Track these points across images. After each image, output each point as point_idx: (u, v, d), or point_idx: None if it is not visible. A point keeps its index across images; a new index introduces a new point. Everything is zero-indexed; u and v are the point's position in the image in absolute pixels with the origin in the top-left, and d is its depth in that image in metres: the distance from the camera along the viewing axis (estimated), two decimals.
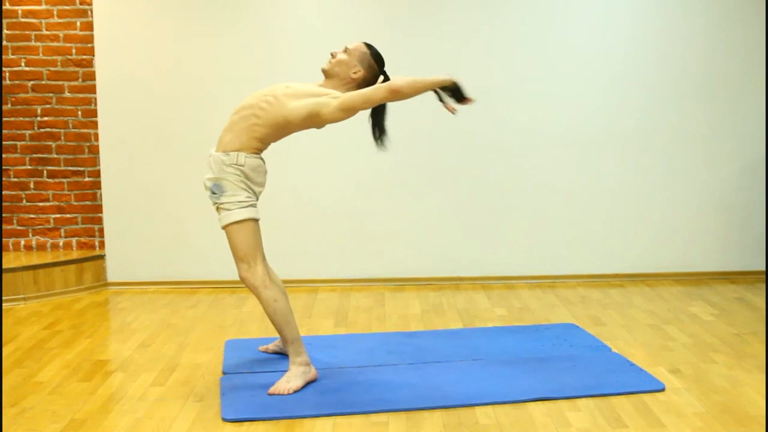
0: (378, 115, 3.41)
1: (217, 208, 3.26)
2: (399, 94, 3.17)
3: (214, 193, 3.24)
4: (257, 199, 3.29)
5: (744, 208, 5.28)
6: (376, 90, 3.17)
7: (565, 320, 4.35)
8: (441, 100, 3.38)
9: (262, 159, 3.30)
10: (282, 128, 3.28)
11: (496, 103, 5.15)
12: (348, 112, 3.22)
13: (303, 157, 5.13)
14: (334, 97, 3.22)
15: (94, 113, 5.16)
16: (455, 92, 3.30)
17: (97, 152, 5.19)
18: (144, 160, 5.16)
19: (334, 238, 5.19)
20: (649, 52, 5.14)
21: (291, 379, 3.26)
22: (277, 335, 3.83)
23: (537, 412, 3.02)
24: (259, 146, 3.28)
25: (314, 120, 3.26)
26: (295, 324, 3.31)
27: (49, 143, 5.19)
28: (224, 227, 3.24)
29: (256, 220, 3.25)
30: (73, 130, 5.18)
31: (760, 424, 2.89)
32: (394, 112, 5.19)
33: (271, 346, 3.76)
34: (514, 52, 5.12)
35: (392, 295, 4.99)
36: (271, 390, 3.22)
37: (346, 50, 3.43)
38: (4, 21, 5.07)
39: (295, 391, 3.23)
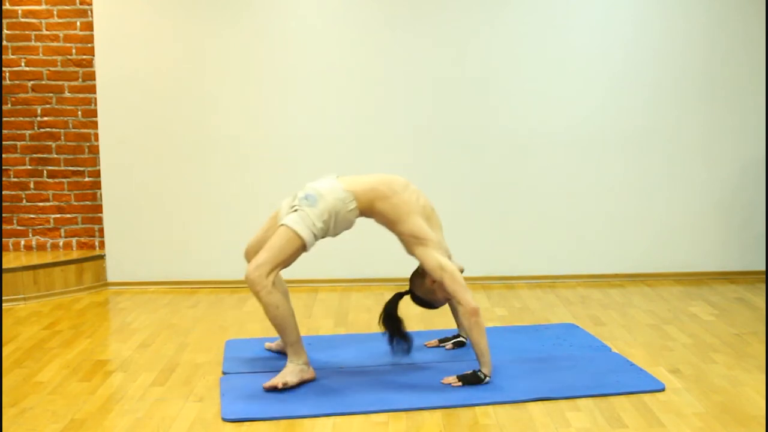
0: (396, 323, 3.47)
1: (295, 209, 3.31)
2: (470, 316, 3.27)
3: (306, 199, 3.30)
4: (320, 238, 3.35)
5: (744, 208, 5.28)
6: (463, 294, 3.29)
7: (565, 320, 4.35)
8: (457, 344, 3.78)
9: (355, 221, 3.42)
10: (391, 219, 3.39)
11: (497, 103, 5.15)
12: (434, 274, 3.32)
13: (303, 157, 5.13)
14: (441, 256, 3.33)
15: (94, 113, 5.16)
16: (472, 379, 3.30)
17: (97, 152, 5.19)
18: (144, 160, 5.16)
19: (334, 238, 5.18)
20: (649, 52, 5.14)
21: (286, 375, 3.27)
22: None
23: (537, 412, 3.02)
24: (365, 210, 3.39)
25: (411, 243, 3.36)
26: (295, 326, 3.31)
27: (49, 143, 5.19)
28: (283, 224, 3.28)
29: (305, 246, 3.30)
30: (73, 130, 5.19)
31: (760, 424, 2.89)
32: (393, 112, 5.22)
33: (274, 345, 3.77)
34: (514, 53, 5.12)
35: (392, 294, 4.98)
36: (266, 384, 3.24)
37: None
38: (4, 21, 5.07)
39: (289, 387, 3.23)
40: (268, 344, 3.81)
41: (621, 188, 5.23)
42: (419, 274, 3.48)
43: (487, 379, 3.28)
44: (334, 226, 3.35)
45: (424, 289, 3.46)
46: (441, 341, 3.84)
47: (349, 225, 3.42)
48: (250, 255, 3.56)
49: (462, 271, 3.48)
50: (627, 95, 5.16)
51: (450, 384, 3.28)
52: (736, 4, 5.11)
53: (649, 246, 5.28)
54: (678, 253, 5.29)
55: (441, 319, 4.40)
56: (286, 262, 3.31)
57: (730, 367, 3.50)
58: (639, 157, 5.21)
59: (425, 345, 3.84)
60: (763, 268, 5.28)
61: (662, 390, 3.22)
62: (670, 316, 4.40)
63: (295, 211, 3.32)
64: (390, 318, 3.44)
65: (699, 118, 5.20)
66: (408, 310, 4.59)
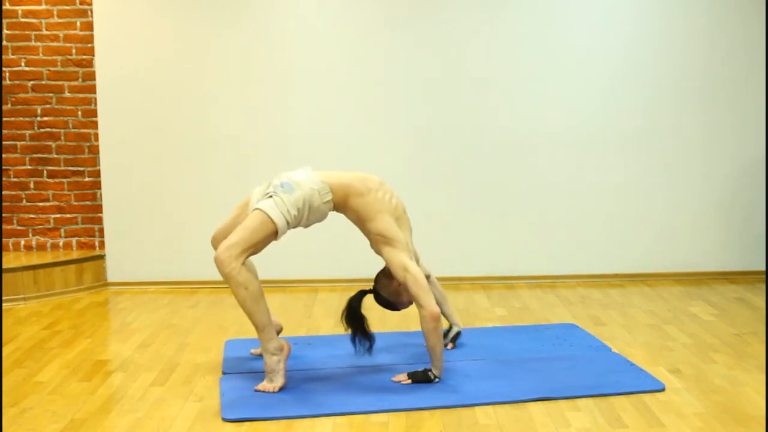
0: (359, 321, 3.45)
1: (270, 196, 3.30)
2: (430, 321, 3.23)
3: (282, 187, 3.29)
4: (293, 227, 3.33)
5: (744, 208, 5.28)
6: (426, 299, 3.25)
7: (565, 320, 4.35)
8: (455, 338, 3.78)
9: (328, 213, 3.41)
10: (362, 217, 3.39)
11: (497, 103, 5.15)
12: (398, 275, 3.31)
13: (303, 157, 5.13)
14: (407, 258, 3.33)
15: (94, 113, 5.16)
16: (422, 377, 3.32)
17: (97, 152, 5.19)
18: (144, 160, 5.16)
19: (334, 238, 5.18)
20: (649, 52, 5.14)
21: (273, 378, 3.26)
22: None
23: (537, 412, 3.02)
24: (338, 204, 3.39)
25: (378, 241, 3.37)
26: (265, 309, 3.25)
27: (49, 143, 5.19)
28: (257, 209, 3.26)
29: (276, 233, 3.27)
30: (73, 130, 5.19)
31: (760, 424, 2.89)
32: (393, 112, 5.21)
33: (261, 349, 3.74)
34: (514, 53, 5.12)
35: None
36: (258, 388, 3.25)
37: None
38: (4, 21, 5.07)
39: (281, 389, 3.23)
40: (253, 350, 3.79)
41: (621, 188, 5.23)
42: (386, 274, 3.48)
43: (437, 379, 3.31)
44: (307, 216, 3.33)
45: (390, 290, 3.47)
46: None
47: (322, 217, 3.40)
48: (217, 241, 3.56)
49: (428, 276, 3.51)
50: (627, 95, 5.16)
51: (400, 382, 3.31)
52: (736, 4, 5.10)
53: (649, 246, 5.28)
54: (678, 253, 5.29)
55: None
56: (257, 247, 3.26)
57: (730, 367, 3.50)
58: (639, 157, 5.21)
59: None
60: (763, 268, 5.28)
61: (662, 390, 3.22)
62: (670, 316, 4.40)
63: (270, 197, 3.29)
64: (353, 315, 3.42)
65: (699, 118, 5.20)
66: (407, 309, 4.59)
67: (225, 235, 3.46)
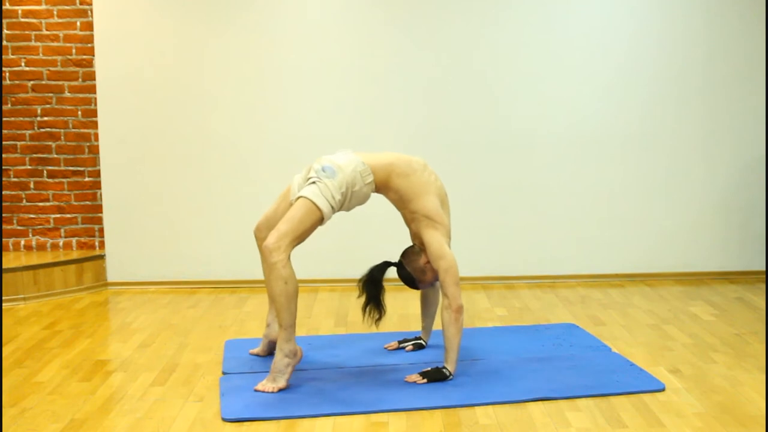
0: (377, 290, 3.44)
1: (312, 182, 3.27)
2: (453, 312, 3.28)
3: (324, 171, 3.27)
4: (336, 211, 3.32)
5: (744, 208, 5.28)
6: (453, 289, 3.28)
7: (565, 320, 4.35)
8: (417, 346, 3.75)
9: (370, 195, 3.40)
10: (406, 197, 3.38)
11: (497, 102, 5.15)
12: (434, 260, 3.33)
13: (304, 157, 5.13)
14: (446, 245, 3.36)
15: (94, 113, 5.16)
16: (436, 375, 3.31)
17: (97, 152, 5.19)
18: (144, 160, 5.16)
19: (334, 238, 5.18)
20: (649, 52, 5.14)
21: (277, 378, 3.25)
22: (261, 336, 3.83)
23: (537, 412, 3.02)
24: (380, 185, 3.38)
25: (421, 222, 3.36)
26: (294, 311, 3.23)
27: (49, 143, 5.19)
28: (301, 197, 3.24)
29: (322, 219, 3.26)
30: (73, 130, 5.19)
31: (760, 424, 2.89)
32: (393, 112, 5.21)
33: (259, 350, 3.74)
34: (514, 52, 5.12)
35: (392, 295, 4.96)
36: (258, 387, 3.24)
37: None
38: (4, 21, 5.07)
39: (281, 390, 3.22)
40: (252, 350, 3.77)
41: (621, 188, 5.23)
42: (416, 251, 3.46)
43: (451, 376, 3.29)
44: (349, 199, 3.32)
45: (417, 266, 3.44)
46: (401, 343, 3.80)
47: (363, 199, 3.38)
48: (261, 231, 3.52)
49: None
50: (627, 95, 5.16)
51: (415, 382, 3.29)
52: (736, 4, 5.10)
53: (649, 246, 5.28)
54: (678, 253, 5.29)
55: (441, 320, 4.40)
56: (304, 235, 3.25)
57: (730, 367, 3.51)
58: (639, 157, 5.21)
59: (384, 347, 3.80)
60: (763, 268, 5.28)
61: (662, 390, 3.22)
62: (670, 316, 4.40)
63: (313, 183, 3.27)
64: (373, 283, 3.40)
65: (699, 118, 5.20)
66: (407, 309, 4.59)
67: (268, 224, 3.44)
